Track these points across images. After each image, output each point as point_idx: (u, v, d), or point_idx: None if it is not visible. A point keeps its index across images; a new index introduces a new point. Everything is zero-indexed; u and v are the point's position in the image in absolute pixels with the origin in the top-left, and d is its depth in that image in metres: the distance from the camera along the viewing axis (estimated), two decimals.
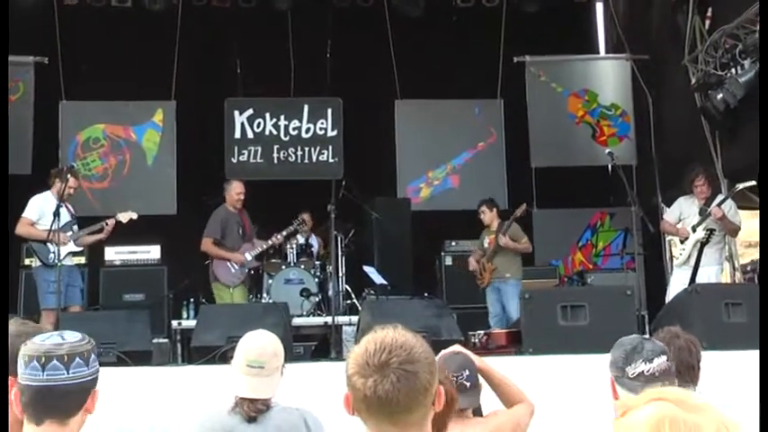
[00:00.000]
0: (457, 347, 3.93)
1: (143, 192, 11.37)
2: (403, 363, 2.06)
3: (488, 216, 10.16)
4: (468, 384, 3.72)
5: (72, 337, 2.52)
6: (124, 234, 9.34)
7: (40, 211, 8.60)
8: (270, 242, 9.92)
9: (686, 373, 3.81)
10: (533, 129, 12.24)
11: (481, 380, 3.86)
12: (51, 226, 8.29)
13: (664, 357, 3.19)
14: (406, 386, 2.04)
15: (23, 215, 8.68)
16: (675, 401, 1.71)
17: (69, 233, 8.75)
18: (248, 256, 9.73)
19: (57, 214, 8.23)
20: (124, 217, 9.06)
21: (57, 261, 8.32)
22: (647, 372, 3.15)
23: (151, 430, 6.06)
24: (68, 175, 8.77)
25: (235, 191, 9.81)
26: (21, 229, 8.71)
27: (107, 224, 8.96)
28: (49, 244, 8.42)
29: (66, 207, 8.87)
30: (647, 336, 3.30)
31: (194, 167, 11.82)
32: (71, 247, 8.74)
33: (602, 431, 4.43)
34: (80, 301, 8.83)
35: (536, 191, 11.83)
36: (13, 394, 2.48)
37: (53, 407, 2.44)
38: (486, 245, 10.13)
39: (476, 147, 12.46)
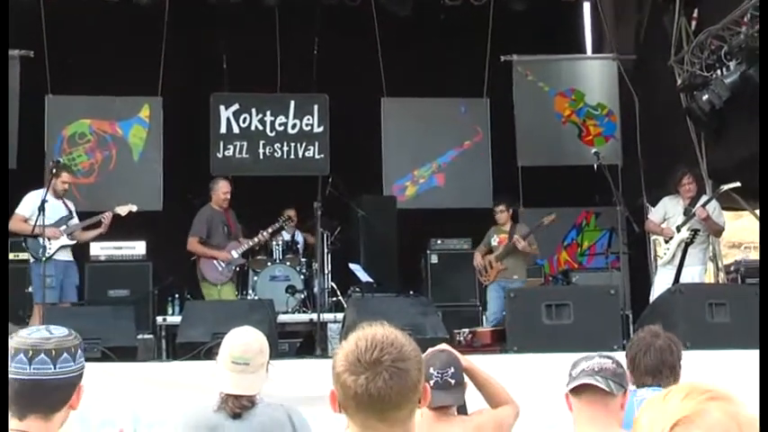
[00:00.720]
0: (443, 345, 3.95)
1: (129, 188, 11.30)
2: (395, 360, 2.07)
3: (504, 216, 10.23)
4: (452, 382, 3.74)
5: (59, 331, 2.51)
6: (111, 229, 9.30)
7: (33, 207, 8.59)
8: (256, 239, 9.94)
9: (667, 372, 3.85)
10: (520, 128, 12.28)
11: (466, 379, 3.88)
12: (36, 221, 8.28)
13: (608, 360, 3.29)
14: (397, 384, 2.05)
15: (16, 211, 8.68)
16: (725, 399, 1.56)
17: (63, 227, 8.74)
18: (234, 254, 9.74)
19: (42, 209, 8.21)
20: (123, 210, 9.07)
21: (43, 256, 8.30)
22: (587, 368, 3.27)
23: (136, 425, 6.06)
24: (63, 171, 8.81)
25: (221, 190, 9.79)
26: (13, 225, 8.72)
27: (104, 218, 8.95)
28: (40, 239, 8.41)
29: (65, 203, 8.88)
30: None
31: (180, 164, 11.77)
32: (63, 241, 8.73)
33: None
34: (75, 297, 8.81)
35: (522, 190, 11.87)
36: None
37: (39, 402, 2.43)
38: (494, 243, 10.16)
39: (462, 145, 12.48)
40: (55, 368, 2.43)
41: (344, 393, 2.08)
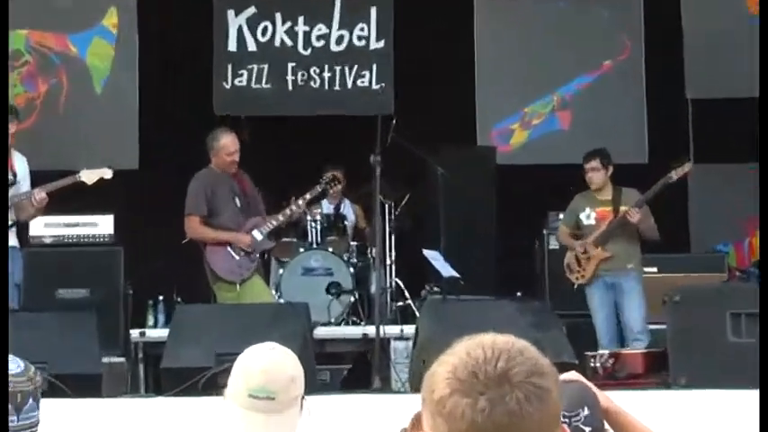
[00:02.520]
0: (572, 374, 3.94)
1: (88, 136, 11.45)
2: (530, 374, 2.05)
3: (600, 176, 9.97)
4: (586, 430, 3.73)
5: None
6: (59, 198, 9.31)
7: None
8: (288, 212, 9.76)
9: None
10: (689, 43, 12.17)
11: (607, 426, 3.88)
12: None
13: None
14: (537, 409, 2.01)
15: None
16: None
17: None
18: (258, 235, 9.52)
19: None
20: (89, 177, 9.04)
21: None
22: None
23: None
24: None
25: (225, 150, 9.40)
26: None
27: (35, 196, 8.92)
28: None
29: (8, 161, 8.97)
30: None
31: (166, 99, 11.86)
32: None
33: None
34: (15, 300, 8.84)
35: (693, 136, 11.77)
36: None
37: None
38: (587, 220, 9.99)
39: (599, 67, 12.42)
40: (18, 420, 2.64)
41: (451, 428, 2.05)
